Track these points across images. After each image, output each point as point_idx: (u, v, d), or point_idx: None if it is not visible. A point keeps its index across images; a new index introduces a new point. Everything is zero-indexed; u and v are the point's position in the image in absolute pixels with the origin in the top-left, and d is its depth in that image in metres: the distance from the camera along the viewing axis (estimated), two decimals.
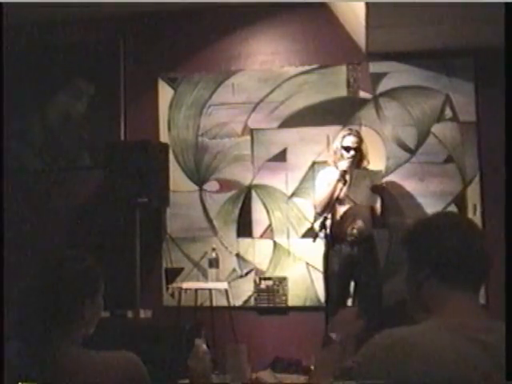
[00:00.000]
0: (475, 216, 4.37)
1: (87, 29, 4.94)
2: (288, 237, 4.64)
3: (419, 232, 1.50)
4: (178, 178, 4.75)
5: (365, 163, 4.23)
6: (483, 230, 1.51)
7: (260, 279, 4.65)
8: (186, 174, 4.81)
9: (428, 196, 4.49)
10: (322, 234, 4.07)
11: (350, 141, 4.18)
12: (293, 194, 4.67)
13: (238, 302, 4.63)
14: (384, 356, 1.32)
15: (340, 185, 4.06)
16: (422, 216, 4.29)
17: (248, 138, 4.76)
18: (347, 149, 4.17)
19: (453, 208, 4.45)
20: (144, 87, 4.92)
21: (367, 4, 3.71)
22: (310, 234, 4.39)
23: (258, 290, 4.64)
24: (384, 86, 4.62)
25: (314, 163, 4.63)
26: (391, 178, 4.54)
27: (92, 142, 4.93)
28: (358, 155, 4.18)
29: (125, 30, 4.94)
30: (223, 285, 4.42)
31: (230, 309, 4.43)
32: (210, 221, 4.75)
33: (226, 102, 4.80)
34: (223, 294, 4.47)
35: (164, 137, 4.84)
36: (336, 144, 4.26)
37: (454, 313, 1.38)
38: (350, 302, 4.22)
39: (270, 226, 4.68)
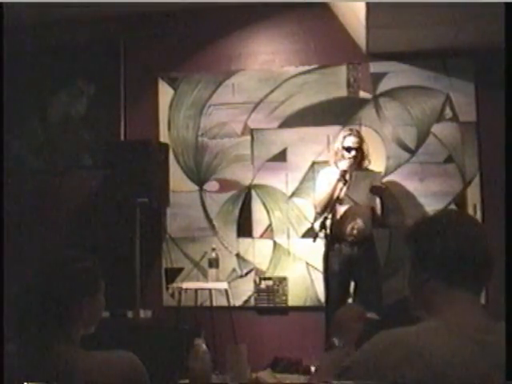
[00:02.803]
0: (475, 216, 4.36)
1: (87, 29, 4.94)
2: (288, 237, 4.64)
3: (422, 230, 1.48)
4: (178, 178, 4.75)
5: (366, 163, 4.23)
6: (486, 230, 1.49)
7: (260, 279, 4.65)
8: (186, 174, 4.81)
9: (428, 196, 4.49)
10: (321, 234, 4.06)
11: (351, 141, 4.18)
12: (293, 194, 4.67)
13: (238, 302, 4.63)
14: (382, 357, 1.31)
15: (340, 184, 4.06)
16: (422, 215, 4.30)
17: (248, 137, 4.76)
18: (348, 149, 4.16)
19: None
20: (144, 87, 4.92)
21: (367, 4, 3.72)
22: (310, 233, 4.39)
23: (258, 290, 4.64)
24: (384, 85, 4.62)
25: (313, 163, 4.63)
26: (391, 178, 4.54)
27: (92, 142, 4.93)
28: (360, 155, 4.19)
29: (125, 30, 4.94)
30: (223, 285, 4.42)
31: (230, 309, 4.43)
32: (210, 221, 4.75)
33: (226, 102, 4.80)
34: (223, 294, 4.47)
35: (164, 137, 4.84)
36: (337, 145, 4.26)
37: (454, 313, 1.38)
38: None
39: (270, 225, 4.68)
